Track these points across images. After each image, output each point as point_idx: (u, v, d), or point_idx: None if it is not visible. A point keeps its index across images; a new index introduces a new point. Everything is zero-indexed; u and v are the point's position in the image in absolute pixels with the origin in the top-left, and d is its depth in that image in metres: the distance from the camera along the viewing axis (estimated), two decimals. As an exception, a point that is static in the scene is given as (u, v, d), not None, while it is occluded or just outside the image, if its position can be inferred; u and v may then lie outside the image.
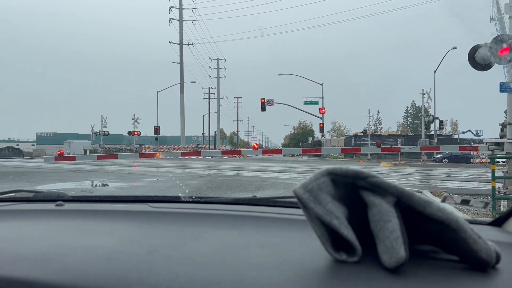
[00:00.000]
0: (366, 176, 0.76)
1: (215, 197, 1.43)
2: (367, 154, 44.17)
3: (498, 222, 1.13)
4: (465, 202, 1.17)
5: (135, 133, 49.53)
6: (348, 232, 0.73)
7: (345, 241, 0.74)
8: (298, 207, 1.33)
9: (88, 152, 56.69)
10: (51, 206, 1.21)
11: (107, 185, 14.36)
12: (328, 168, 0.80)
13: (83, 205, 1.32)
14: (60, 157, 11.77)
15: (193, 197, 1.36)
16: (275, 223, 1.07)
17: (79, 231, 0.98)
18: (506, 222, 1.11)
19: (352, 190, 0.78)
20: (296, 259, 0.80)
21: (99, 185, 14.34)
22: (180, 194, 1.37)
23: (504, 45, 8.48)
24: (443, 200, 1.27)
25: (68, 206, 1.24)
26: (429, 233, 0.78)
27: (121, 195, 1.50)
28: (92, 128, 57.10)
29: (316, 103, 43.98)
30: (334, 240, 0.76)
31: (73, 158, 15.03)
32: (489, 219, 1.16)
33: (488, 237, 0.98)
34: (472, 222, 1.15)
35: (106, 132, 54.48)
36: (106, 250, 0.82)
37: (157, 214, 1.15)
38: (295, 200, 1.37)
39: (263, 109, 40.81)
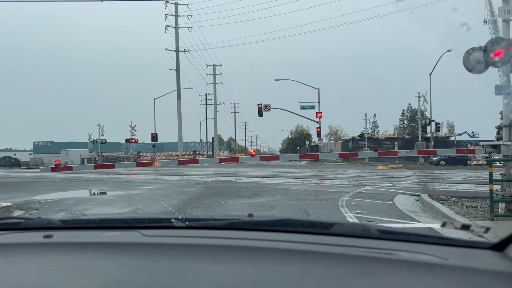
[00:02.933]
0: None
1: (209, 220, 1.39)
2: (364, 158, 44.18)
3: (500, 246, 1.09)
4: (465, 227, 1.13)
5: (133, 140, 49.41)
6: None
7: None
8: (296, 232, 1.30)
9: (85, 160, 56.53)
10: (38, 237, 1.17)
11: (105, 194, 14.32)
12: None
13: (72, 235, 1.28)
14: (57, 168, 11.69)
15: (186, 222, 1.32)
16: (272, 254, 1.03)
17: (65, 270, 0.94)
18: (509, 246, 1.06)
19: None
20: None
21: (97, 194, 14.29)
22: (172, 219, 1.33)
23: (498, 48, 8.50)
24: (443, 225, 1.23)
25: (56, 236, 1.19)
26: None
27: (113, 219, 1.46)
28: (90, 136, 56.96)
29: (313, 107, 44.07)
30: None
31: (70, 168, 14.95)
32: (491, 242, 1.12)
33: (490, 267, 0.94)
34: (471, 246, 1.11)
35: (104, 140, 54.33)
36: None
37: (148, 246, 1.11)
38: (293, 222, 1.34)
39: (260, 114, 40.86)
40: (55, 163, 11.92)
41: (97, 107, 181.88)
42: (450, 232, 5.30)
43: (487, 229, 1.18)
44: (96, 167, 15.06)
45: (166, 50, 53.73)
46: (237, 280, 0.86)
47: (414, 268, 0.92)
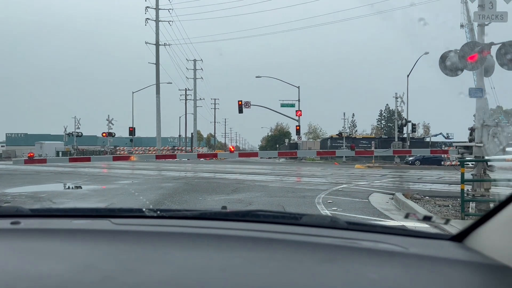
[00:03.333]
0: None
1: (181, 210, 1.40)
2: (342, 157, 44.71)
3: (459, 237, 1.14)
4: (427, 218, 1.18)
5: (110, 134, 48.63)
6: None
7: None
8: (266, 222, 1.32)
9: (60, 153, 55.33)
10: (6, 224, 1.16)
11: (81, 188, 14.07)
12: None
13: (41, 222, 1.26)
14: (30, 160, 11.43)
15: (158, 211, 1.32)
16: (240, 242, 1.05)
17: (31, 256, 0.93)
18: (467, 237, 1.12)
19: None
20: (255, 282, 0.78)
21: (72, 188, 14.03)
22: (144, 209, 1.33)
23: (473, 52, 8.73)
24: (406, 217, 1.28)
25: (24, 223, 1.18)
26: None
27: (84, 208, 1.45)
28: (65, 129, 55.74)
29: (292, 105, 44.31)
30: None
31: (44, 160, 14.61)
32: (450, 234, 1.17)
33: (447, 255, 0.99)
34: (432, 237, 1.16)
35: (80, 133, 53.34)
36: (56, 279, 0.78)
37: (117, 233, 1.11)
38: (264, 213, 1.36)
39: (241, 111, 40.84)
40: (29, 155, 11.66)
41: (73, 99, 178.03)
42: (419, 227, 5.43)
43: (447, 221, 1.23)
44: (71, 160, 14.79)
45: (146, 43, 53.13)
46: (204, 265, 0.88)
47: (375, 256, 0.96)
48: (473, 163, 8.92)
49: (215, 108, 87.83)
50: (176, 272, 0.83)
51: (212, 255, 0.95)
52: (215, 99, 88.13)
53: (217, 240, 1.07)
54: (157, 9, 52.85)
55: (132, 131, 49.27)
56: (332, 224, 1.22)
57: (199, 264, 0.89)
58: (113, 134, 49.54)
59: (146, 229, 1.17)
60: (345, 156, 44.00)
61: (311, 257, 0.93)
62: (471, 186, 8.86)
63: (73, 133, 52.98)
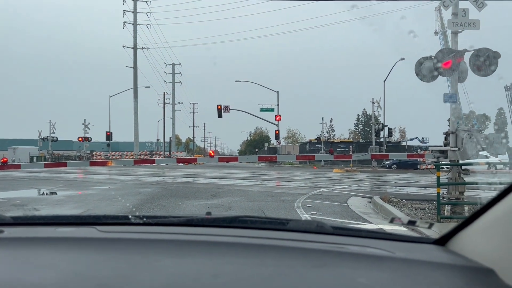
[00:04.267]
0: None
1: (167, 217, 1.39)
2: (321, 161, 45.12)
3: (442, 240, 1.17)
4: (411, 223, 1.21)
5: (86, 138, 47.72)
6: None
7: None
8: (253, 228, 1.33)
9: (35, 159, 54.00)
10: None
11: (56, 194, 13.73)
12: None
13: (25, 230, 1.23)
14: (3, 165, 11.10)
15: (144, 218, 1.31)
16: (230, 249, 1.05)
17: (17, 265, 0.91)
18: (450, 240, 1.15)
19: None
20: None
21: (47, 194, 13.68)
22: (130, 216, 1.32)
23: (447, 58, 8.97)
24: (391, 222, 1.31)
25: (8, 232, 1.15)
26: None
27: (67, 216, 1.43)
28: (40, 133, 54.46)
29: (272, 110, 44.50)
30: None
31: (17, 166, 14.21)
32: (433, 237, 1.20)
33: (432, 259, 1.02)
34: (416, 241, 1.19)
35: (55, 138, 52.11)
36: None
37: (105, 241, 1.10)
38: (251, 219, 1.37)
39: (220, 115, 40.74)
40: (1, 160, 11.32)
41: (48, 103, 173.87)
42: (399, 231, 5.54)
43: (430, 225, 1.27)
44: (46, 165, 14.44)
45: (123, 47, 52.44)
46: (196, 272, 0.88)
47: (364, 260, 0.98)
48: (448, 167, 9.14)
49: (194, 112, 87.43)
50: (169, 279, 0.83)
51: (204, 262, 0.95)
52: (194, 103, 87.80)
53: (206, 246, 1.07)
54: (135, 12, 52.35)
55: (109, 135, 48.47)
56: (319, 229, 1.24)
57: (191, 271, 0.89)
58: (90, 138, 48.62)
59: (134, 236, 1.16)
60: (324, 160, 44.42)
61: (302, 262, 0.94)
62: (446, 189, 9.06)
63: (48, 137, 51.74)
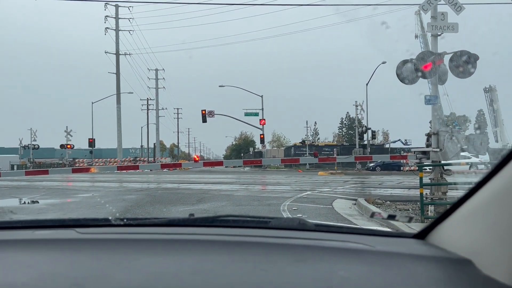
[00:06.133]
0: None
1: (149, 218, 1.38)
2: (306, 164, 45.33)
3: (421, 234, 1.19)
4: (391, 217, 1.22)
5: (68, 146, 47.02)
6: None
7: None
8: (235, 227, 1.33)
9: (15, 167, 52.94)
10: None
11: (38, 202, 13.46)
12: None
13: (1, 234, 1.21)
14: (-17, 174, 10.86)
15: (125, 220, 1.29)
16: (210, 246, 1.04)
17: None
18: (429, 234, 1.17)
19: None
20: (228, 284, 0.79)
21: (28, 202, 13.40)
22: (110, 217, 1.30)
23: (427, 61, 9.13)
24: (371, 216, 1.32)
25: None
26: None
27: (46, 219, 1.40)
28: (21, 141, 53.46)
29: (256, 114, 44.61)
30: None
31: (-3, 174, 13.91)
32: (413, 232, 1.22)
33: (411, 251, 1.03)
34: (396, 235, 1.21)
35: (36, 146, 51.28)
36: None
37: (84, 241, 1.08)
38: (233, 218, 1.37)
39: (204, 120, 40.64)
40: (-19, 169, 11.07)
41: (29, 110, 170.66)
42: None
43: (410, 218, 1.28)
44: (27, 173, 14.15)
45: (105, 52, 51.92)
46: (175, 270, 0.87)
47: (345, 254, 0.99)
48: (431, 167, 9.27)
49: (178, 118, 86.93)
50: (147, 278, 0.82)
51: (183, 260, 0.94)
52: (178, 108, 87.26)
53: (187, 245, 1.06)
54: (116, 18, 51.95)
55: (92, 142, 47.87)
56: (301, 226, 1.25)
57: (170, 269, 0.88)
58: (72, 146, 47.93)
59: (114, 236, 1.14)
60: (309, 164, 44.63)
61: (283, 258, 0.94)
62: (429, 190, 9.19)
63: (29, 145, 50.88)
